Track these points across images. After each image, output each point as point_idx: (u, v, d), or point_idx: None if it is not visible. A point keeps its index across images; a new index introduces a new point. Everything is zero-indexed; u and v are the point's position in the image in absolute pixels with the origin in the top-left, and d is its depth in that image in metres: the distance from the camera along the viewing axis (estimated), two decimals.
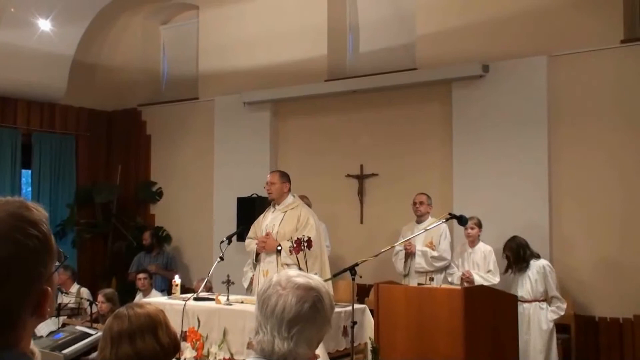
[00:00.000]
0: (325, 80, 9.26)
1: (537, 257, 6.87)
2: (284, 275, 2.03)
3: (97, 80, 11.30)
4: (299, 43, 9.43)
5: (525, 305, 6.71)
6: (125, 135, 11.46)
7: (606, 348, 7.26)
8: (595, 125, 7.38)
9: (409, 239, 6.89)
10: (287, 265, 6.14)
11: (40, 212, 1.37)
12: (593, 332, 7.33)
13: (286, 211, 6.46)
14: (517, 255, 6.82)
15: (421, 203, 7.55)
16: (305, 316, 1.93)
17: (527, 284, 6.80)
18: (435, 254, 7.48)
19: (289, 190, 6.55)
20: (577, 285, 7.40)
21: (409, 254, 7.54)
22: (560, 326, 7.26)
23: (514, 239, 6.89)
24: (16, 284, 1.29)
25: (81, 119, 11.19)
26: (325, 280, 2.11)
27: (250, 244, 6.58)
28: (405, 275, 7.58)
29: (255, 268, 6.61)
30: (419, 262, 7.47)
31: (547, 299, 6.78)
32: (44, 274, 1.33)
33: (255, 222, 6.74)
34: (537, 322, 6.75)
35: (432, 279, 6.99)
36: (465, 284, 6.86)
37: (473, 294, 5.38)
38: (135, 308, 2.65)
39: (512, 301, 5.79)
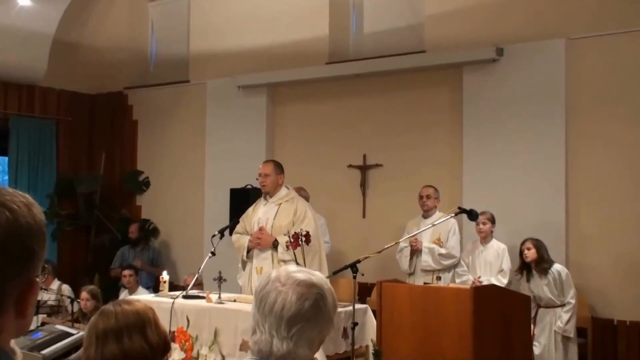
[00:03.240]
0: (326, 63, 9.25)
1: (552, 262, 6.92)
2: (283, 270, 2.03)
3: (80, 60, 11.26)
4: (299, 22, 9.41)
5: (541, 310, 6.75)
6: (109, 120, 11.44)
7: (625, 353, 7.29)
8: (618, 115, 7.37)
9: (415, 234, 6.89)
10: (284, 261, 6.15)
11: (33, 200, 1.37)
12: (611, 337, 7.35)
13: (280, 204, 6.46)
14: (542, 254, 6.82)
15: (428, 197, 7.56)
16: (306, 315, 1.93)
17: (541, 290, 6.81)
18: (443, 251, 7.49)
19: (283, 182, 6.55)
20: (594, 286, 7.42)
21: (415, 251, 7.55)
22: (576, 330, 7.29)
23: (537, 239, 6.89)
24: (5, 259, 1.28)
25: (62, 102, 11.17)
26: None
27: (239, 239, 6.58)
28: (411, 274, 7.59)
29: (245, 267, 6.61)
30: (426, 259, 7.48)
31: (562, 304, 6.81)
32: (33, 261, 1.32)
33: (244, 215, 6.74)
34: (551, 327, 6.78)
35: (439, 278, 7.00)
36: None
37: (483, 294, 5.39)
38: (122, 305, 2.66)
39: (525, 302, 5.80)
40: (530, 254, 6.83)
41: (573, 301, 6.76)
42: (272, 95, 9.72)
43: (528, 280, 6.91)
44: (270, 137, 9.68)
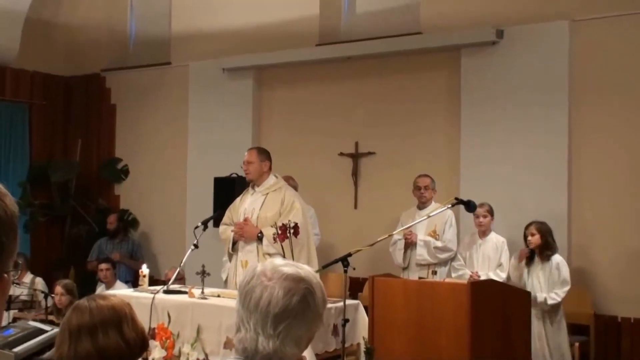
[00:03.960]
0: (317, 44, 9.22)
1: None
2: (269, 264, 2.03)
3: (54, 40, 11.20)
4: (287, 1, 9.38)
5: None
6: (86, 104, 11.39)
7: (629, 352, 7.33)
8: (624, 100, 7.38)
9: (409, 226, 6.87)
10: (270, 255, 6.14)
11: (6, 190, 1.36)
12: (615, 335, 7.39)
13: (267, 193, 6.45)
14: (547, 240, 6.83)
15: (426, 188, 7.55)
16: (294, 311, 1.93)
17: (538, 280, 6.83)
18: (439, 244, 7.50)
19: (270, 169, 6.53)
20: (597, 282, 7.45)
21: (409, 244, 7.56)
22: (577, 327, 7.32)
23: (542, 222, 6.90)
24: None
25: (36, 85, 11.11)
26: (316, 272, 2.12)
27: (226, 230, 6.58)
28: (405, 268, 7.61)
29: (231, 259, 6.61)
30: (421, 253, 7.49)
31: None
32: (2, 255, 1.31)
33: (231, 205, 6.73)
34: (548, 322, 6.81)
35: (435, 273, 7.02)
36: None
37: (481, 289, 5.41)
38: (97, 300, 2.67)
39: (525, 298, 5.83)
40: (534, 239, 6.82)
41: (559, 298, 6.74)
42: (258, 78, 9.69)
43: (528, 265, 6.90)
44: (256, 122, 9.65)
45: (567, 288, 6.75)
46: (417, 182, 7.62)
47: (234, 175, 9.08)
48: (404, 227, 6.87)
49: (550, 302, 6.70)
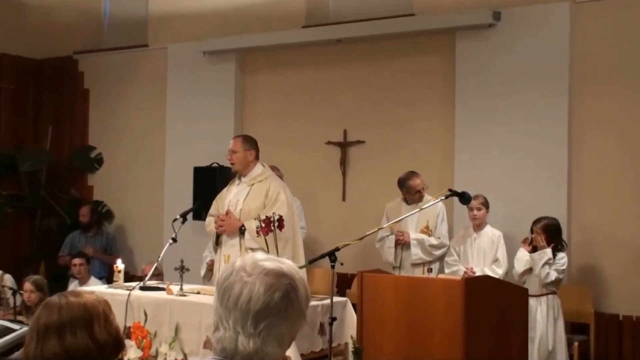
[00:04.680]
0: (303, 26, 9.21)
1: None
2: (249, 258, 2.02)
3: (25, 21, 11.13)
4: None
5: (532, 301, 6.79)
6: (58, 89, 11.33)
7: (631, 351, 7.37)
8: (628, 88, 7.40)
9: (398, 220, 6.72)
10: (252, 249, 6.14)
11: None
12: (616, 333, 7.43)
13: (253, 184, 6.44)
14: (559, 239, 6.84)
15: (424, 189, 7.47)
16: (276, 308, 1.92)
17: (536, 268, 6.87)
18: (434, 241, 7.50)
19: (256, 158, 6.51)
20: (598, 278, 7.49)
21: (402, 244, 7.50)
22: (577, 326, 7.36)
23: (547, 222, 6.90)
24: None
25: (4, 68, 11.05)
26: (299, 268, 2.11)
27: (211, 223, 6.58)
28: (397, 267, 7.56)
29: (216, 252, 6.61)
30: (416, 252, 7.46)
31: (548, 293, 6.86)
32: None
33: (218, 196, 6.73)
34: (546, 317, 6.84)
35: (430, 270, 6.99)
36: None
37: (475, 285, 5.43)
38: (69, 297, 2.65)
39: (522, 295, 5.85)
40: (538, 240, 6.83)
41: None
42: (241, 62, 9.67)
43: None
44: (239, 109, 9.63)
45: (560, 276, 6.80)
46: (413, 184, 7.41)
47: (215, 164, 9.07)
48: (391, 222, 6.81)
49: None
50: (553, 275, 6.73)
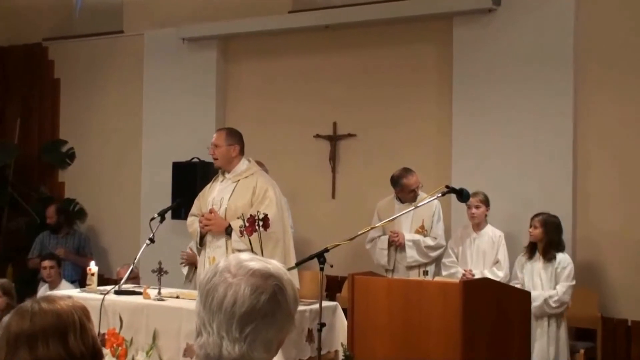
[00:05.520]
0: (290, 11, 9.21)
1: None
2: (234, 259, 2.03)
3: None
4: None
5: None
6: (26, 79, 11.30)
7: None
8: (637, 75, 7.42)
9: (391, 220, 6.68)
10: (239, 251, 6.14)
11: None
12: (624, 340, 7.45)
13: (238, 180, 6.43)
14: (551, 237, 6.87)
15: (418, 187, 7.46)
16: (263, 311, 1.93)
17: (540, 279, 6.89)
18: (430, 242, 7.50)
19: (240, 153, 6.50)
20: (605, 281, 7.51)
21: (397, 245, 7.50)
22: (582, 332, 7.39)
23: (550, 215, 6.94)
24: None
25: None
26: (288, 270, 2.12)
27: (194, 223, 6.57)
28: (390, 270, 7.56)
29: (200, 254, 6.60)
30: (411, 255, 7.46)
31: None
32: None
33: (200, 194, 6.73)
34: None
35: (426, 273, 6.98)
36: None
37: (474, 288, 5.45)
38: (42, 303, 2.61)
39: (525, 299, 5.87)
40: (535, 233, 6.88)
41: (556, 296, 6.81)
42: (223, 50, 9.66)
43: (530, 259, 6.96)
44: (221, 100, 9.63)
45: (571, 284, 6.82)
46: (407, 182, 7.40)
47: (196, 159, 9.07)
48: (384, 222, 6.79)
49: (553, 302, 6.76)
50: (567, 297, 6.78)
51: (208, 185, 6.72)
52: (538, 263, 6.95)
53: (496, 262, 7.27)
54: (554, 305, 6.81)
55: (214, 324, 1.94)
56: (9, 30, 11.24)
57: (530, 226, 6.94)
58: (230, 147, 6.44)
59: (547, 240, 6.88)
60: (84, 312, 2.67)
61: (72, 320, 2.59)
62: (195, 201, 6.72)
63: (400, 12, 8.45)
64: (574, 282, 6.87)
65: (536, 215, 6.95)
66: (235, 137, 6.49)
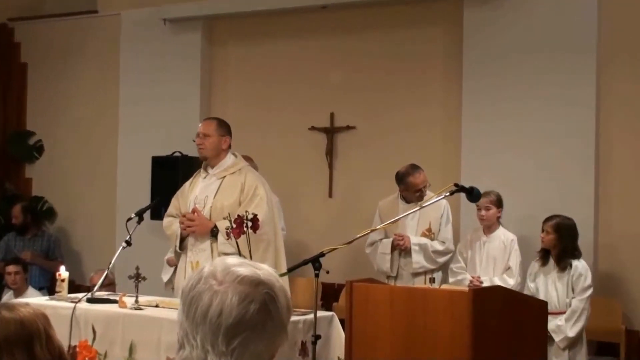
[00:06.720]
0: None
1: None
2: (220, 264, 2.03)
3: None
4: None
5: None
6: None
7: None
8: None
9: (394, 221, 6.66)
10: (226, 254, 6.14)
11: None
12: None
13: (224, 176, 6.43)
14: (565, 244, 6.87)
15: (425, 187, 7.44)
16: (252, 322, 1.94)
17: (555, 290, 6.89)
18: (438, 246, 7.47)
19: (229, 147, 6.52)
20: (629, 290, 7.54)
21: (402, 249, 7.47)
22: (604, 346, 7.40)
23: (565, 218, 6.94)
24: None
25: None
26: (280, 276, 2.12)
27: (172, 224, 6.57)
28: (393, 277, 7.55)
29: (179, 259, 6.60)
30: (417, 260, 7.43)
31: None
32: None
33: (179, 192, 6.72)
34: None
35: (433, 280, 6.96)
36: None
37: (484, 297, 5.44)
38: (3, 311, 2.64)
39: (540, 308, 5.87)
40: (548, 239, 6.87)
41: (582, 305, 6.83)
42: (209, 32, 9.67)
43: (544, 266, 6.96)
44: (206, 87, 9.63)
45: (587, 295, 6.82)
46: (413, 181, 7.36)
47: (177, 154, 9.07)
48: (386, 223, 6.76)
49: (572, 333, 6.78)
50: (585, 316, 6.79)
51: (188, 182, 6.70)
52: (552, 272, 6.95)
53: (507, 268, 7.26)
54: (573, 335, 6.80)
55: (197, 336, 1.95)
56: None
57: (542, 231, 6.92)
58: (222, 139, 6.43)
59: (561, 247, 6.86)
60: (46, 319, 2.69)
61: (37, 329, 2.62)
62: (173, 200, 6.70)
63: None
64: (590, 292, 6.86)
65: (548, 219, 6.92)
66: (226, 128, 6.50)
